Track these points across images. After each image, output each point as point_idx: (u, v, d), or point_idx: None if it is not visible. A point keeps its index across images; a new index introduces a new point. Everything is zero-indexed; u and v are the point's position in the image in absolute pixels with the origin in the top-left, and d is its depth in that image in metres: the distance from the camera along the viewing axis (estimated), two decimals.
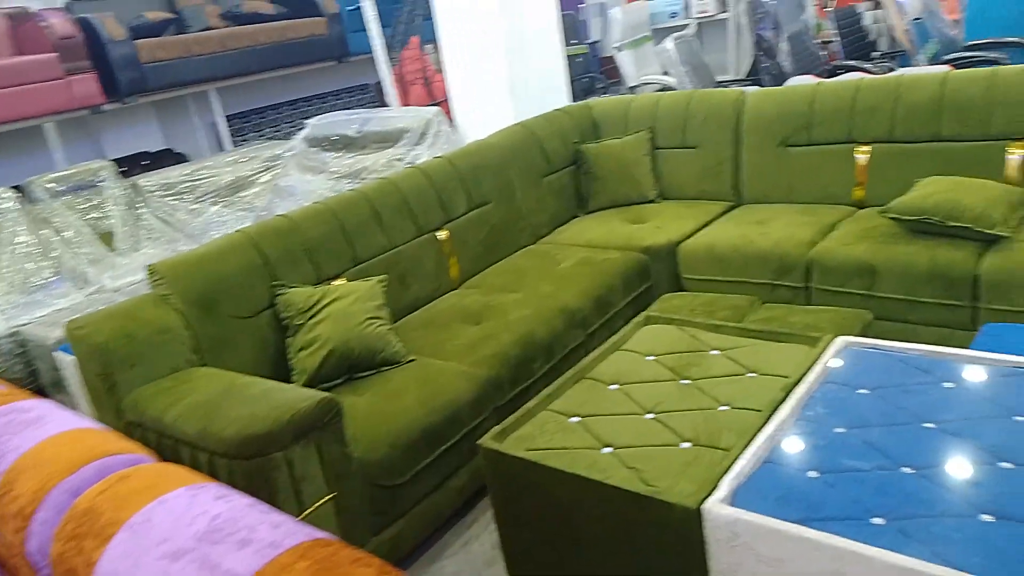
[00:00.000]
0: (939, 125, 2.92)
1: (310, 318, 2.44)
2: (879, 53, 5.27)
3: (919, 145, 2.98)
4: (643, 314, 2.44)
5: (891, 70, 4.73)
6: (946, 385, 1.78)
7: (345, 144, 4.27)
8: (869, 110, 3.08)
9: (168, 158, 6.27)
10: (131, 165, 6.04)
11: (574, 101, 4.20)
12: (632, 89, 5.88)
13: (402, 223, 2.93)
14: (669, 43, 4.99)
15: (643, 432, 1.85)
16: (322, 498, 1.92)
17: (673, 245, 3.18)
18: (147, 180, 4.57)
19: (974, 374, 1.80)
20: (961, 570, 1.27)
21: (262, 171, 4.62)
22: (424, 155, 3.90)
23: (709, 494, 1.56)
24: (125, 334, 2.15)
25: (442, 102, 4.58)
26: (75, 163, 4.59)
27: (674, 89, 5.32)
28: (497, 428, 1.95)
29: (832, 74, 4.86)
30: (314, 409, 1.88)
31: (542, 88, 4.04)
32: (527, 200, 3.48)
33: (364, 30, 4.66)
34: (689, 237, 3.20)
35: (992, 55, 4.50)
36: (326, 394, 1.94)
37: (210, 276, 2.37)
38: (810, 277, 2.83)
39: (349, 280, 2.69)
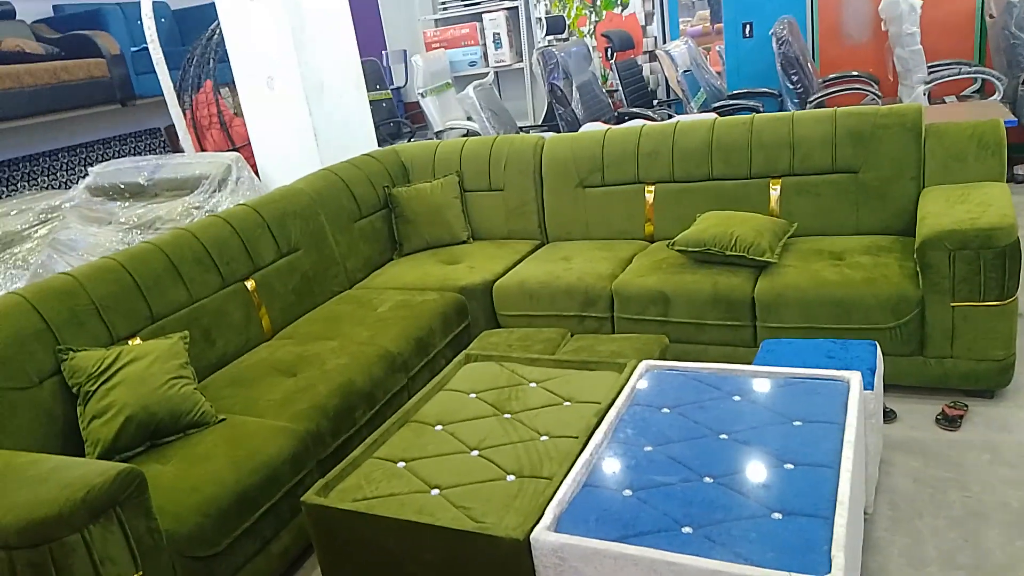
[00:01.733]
0: (711, 166, 3.27)
1: (103, 383, 2.22)
2: (658, 101, 5.82)
3: (696, 184, 3.32)
4: (463, 353, 2.48)
5: (670, 116, 5.24)
6: (735, 399, 1.98)
7: (134, 192, 3.97)
8: (652, 153, 3.38)
9: None
10: None
11: (380, 146, 4.23)
12: (439, 134, 6.02)
13: (204, 275, 2.77)
14: (470, 90, 5.18)
15: (469, 470, 1.87)
16: None
17: (488, 284, 3.27)
18: None
19: (757, 386, 2.02)
20: (757, 566, 1.41)
21: (37, 224, 4.16)
22: (225, 203, 3.73)
23: (535, 524, 1.61)
24: None
25: (243, 147, 4.41)
26: None
27: (478, 134, 5.52)
28: (320, 482, 1.88)
29: (619, 120, 5.30)
30: (112, 483, 1.70)
31: (348, 133, 4.03)
32: (339, 245, 3.43)
33: (154, 72, 4.38)
34: (502, 276, 3.31)
35: (750, 103, 5.14)
36: (125, 465, 1.76)
37: None
38: (613, 307, 3.03)
39: (145, 339, 2.49)
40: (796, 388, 1.97)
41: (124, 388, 2.21)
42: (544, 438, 1.96)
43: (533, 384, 2.23)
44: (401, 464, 1.94)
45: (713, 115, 3.72)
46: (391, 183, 3.80)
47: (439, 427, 2.08)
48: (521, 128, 5.84)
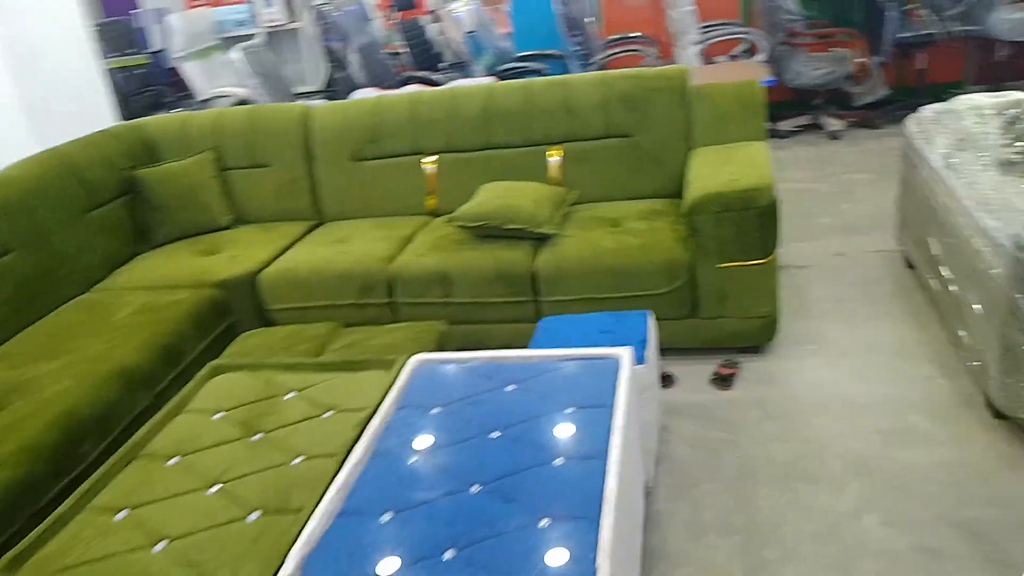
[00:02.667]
0: (490, 134, 3.11)
1: None
2: (446, 64, 5.60)
3: (476, 153, 3.15)
4: (209, 364, 2.15)
5: (457, 79, 5.04)
6: (508, 389, 1.84)
7: None
8: (429, 122, 3.16)
9: None
10: None
11: (133, 118, 3.66)
12: (205, 103, 5.41)
13: None
14: (235, 53, 4.66)
15: (206, 512, 1.58)
16: None
17: (252, 275, 2.92)
18: None
19: (530, 373, 1.88)
20: None
21: None
22: None
23: (276, 573, 1.37)
24: None
25: None
26: None
27: (251, 102, 5.02)
28: (10, 554, 1.51)
29: (405, 84, 5.02)
30: None
31: (75, 108, 3.45)
32: (67, 242, 2.90)
33: None
34: (269, 264, 2.97)
35: (537, 65, 5.06)
36: None
37: None
38: (393, 292, 2.81)
39: None
40: (569, 371, 1.87)
41: None
42: (298, 460, 1.71)
43: (292, 394, 1.97)
44: (123, 513, 1.61)
45: (490, 79, 3.56)
46: (133, 164, 3.29)
47: (174, 460, 1.76)
48: (299, 95, 5.40)
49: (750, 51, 5.26)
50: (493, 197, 2.80)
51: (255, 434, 1.82)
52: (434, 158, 3.20)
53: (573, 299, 2.63)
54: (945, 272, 2.39)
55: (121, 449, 1.82)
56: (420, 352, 2.06)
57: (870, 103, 5.10)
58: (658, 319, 2.55)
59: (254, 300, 2.93)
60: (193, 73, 5.43)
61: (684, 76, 2.99)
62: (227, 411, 1.93)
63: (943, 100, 2.88)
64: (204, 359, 2.63)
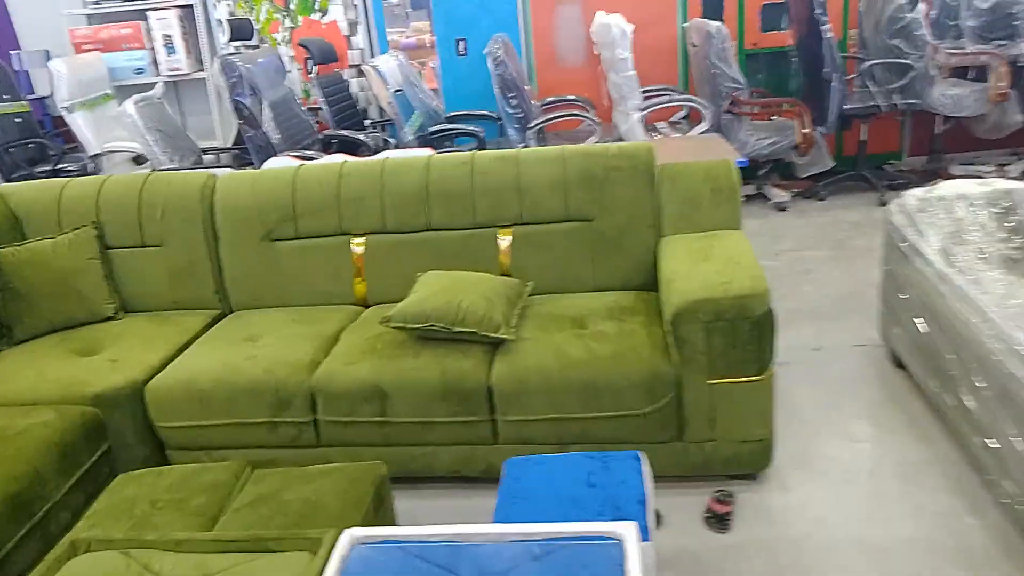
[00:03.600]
0: (429, 214, 2.68)
1: None
2: (371, 122, 5.16)
3: (414, 235, 2.71)
4: (66, 540, 1.59)
5: (385, 142, 4.61)
6: None
7: None
8: (357, 199, 2.71)
9: None
10: None
11: (10, 173, 3.05)
12: (95, 159, 4.78)
13: None
14: (130, 106, 4.09)
15: None
16: None
17: (137, 386, 2.36)
18: None
19: (505, 562, 1.43)
20: None
21: None
22: None
23: None
24: None
25: None
26: None
27: (147, 160, 4.43)
28: None
29: (326, 145, 4.55)
30: None
31: None
32: None
33: None
34: (160, 371, 2.42)
35: (470, 128, 4.69)
36: None
37: None
38: (316, 408, 2.31)
39: None
40: (557, 558, 1.42)
41: None
42: None
43: None
44: None
45: (427, 151, 3.15)
46: None
47: None
48: (205, 151, 4.83)
49: (688, 117, 5.07)
50: (437, 291, 2.36)
51: None
52: (363, 240, 2.74)
53: (536, 419, 2.21)
54: (965, 391, 2.10)
55: None
56: (354, 517, 1.58)
57: (812, 174, 4.98)
58: (635, 444, 2.16)
59: (140, 418, 2.36)
60: (81, 125, 4.79)
61: (650, 154, 2.66)
62: None
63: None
64: (76, 499, 2.07)
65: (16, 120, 4.98)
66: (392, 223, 2.71)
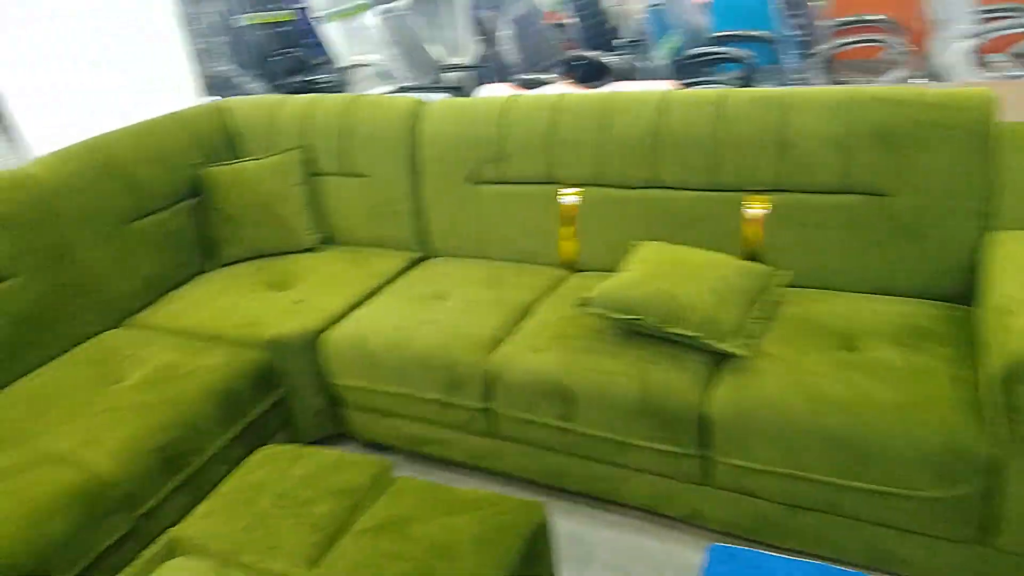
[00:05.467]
0: (657, 167, 2.12)
1: None
2: (623, 41, 4.57)
3: (635, 192, 2.17)
4: (167, 536, 1.38)
5: (633, 66, 4.03)
6: None
7: None
8: (572, 142, 2.22)
9: None
10: None
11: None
12: (342, 71, 4.76)
13: None
14: (371, 17, 3.92)
15: None
16: None
17: (312, 335, 2.15)
18: None
19: None
20: None
21: None
22: None
23: None
24: None
25: None
26: None
27: (391, 76, 4.29)
28: None
29: (569, 69, 4.07)
30: None
31: (146, 79, 2.80)
32: (97, 262, 2.27)
33: None
34: (338, 321, 2.19)
35: (737, 52, 3.92)
36: None
37: None
38: (490, 395, 1.93)
39: None
40: None
41: None
42: None
43: None
44: None
45: (666, 85, 2.54)
46: (205, 159, 2.61)
47: None
48: (446, 68, 4.59)
49: None
50: (653, 274, 1.83)
51: None
52: (576, 191, 2.25)
53: (764, 470, 1.63)
54: None
55: None
56: (490, 560, 1.17)
57: None
58: (913, 533, 1.51)
59: (314, 368, 2.16)
60: (334, 36, 4.78)
61: (987, 104, 1.83)
62: None
63: None
64: (227, 456, 1.92)
65: (279, 30, 5.10)
66: (610, 174, 2.19)
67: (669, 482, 1.78)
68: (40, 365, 2.07)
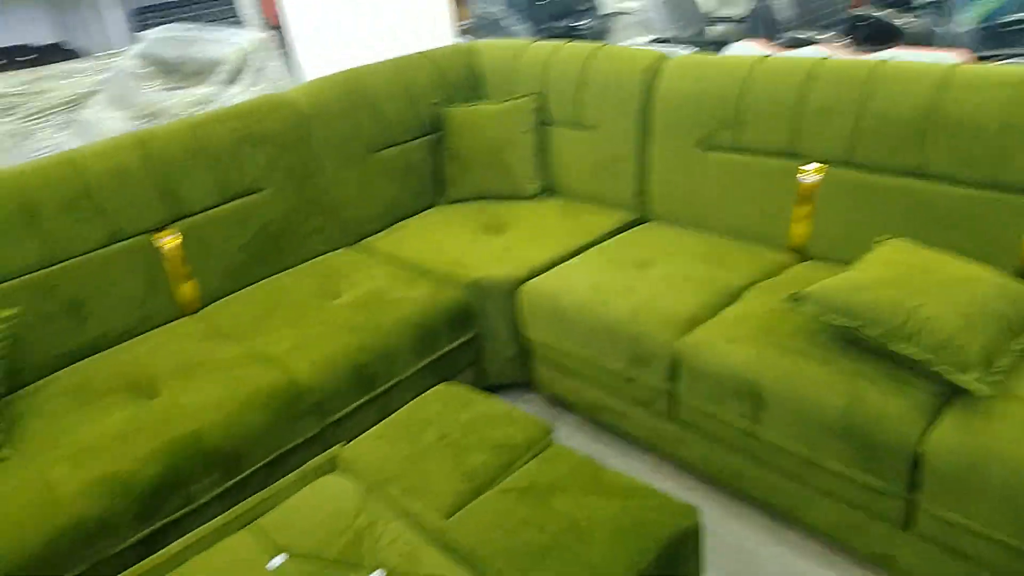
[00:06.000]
0: (925, 152, 1.78)
1: None
2: (922, 2, 3.94)
3: (891, 178, 1.85)
4: (332, 452, 1.47)
5: (931, 30, 3.46)
6: None
7: (168, 70, 3.26)
8: (823, 111, 1.94)
9: (55, 54, 5.32)
10: (7, 60, 5.12)
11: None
12: (604, 19, 4.66)
13: (76, 226, 1.96)
14: None
15: None
16: None
17: (512, 284, 2.16)
18: None
19: None
20: None
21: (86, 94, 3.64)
22: (240, 97, 2.89)
23: None
24: None
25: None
26: None
27: (651, 26, 4.12)
28: None
29: (850, 27, 3.60)
30: None
31: (412, 18, 2.93)
32: (340, 185, 2.46)
33: None
34: (541, 272, 2.17)
35: None
36: None
37: None
38: (677, 377, 1.80)
39: None
40: None
41: None
42: None
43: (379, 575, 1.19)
44: None
45: (957, 56, 2.11)
46: (447, 98, 2.69)
47: None
48: (712, 22, 4.30)
49: None
50: (890, 278, 1.56)
51: None
52: (819, 168, 1.98)
53: (982, 533, 1.34)
54: None
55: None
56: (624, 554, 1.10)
57: None
58: None
59: (510, 316, 2.18)
60: None
61: None
62: (298, 555, 1.23)
63: None
64: (413, 384, 2.01)
65: None
66: (864, 155, 1.89)
67: (860, 515, 1.54)
68: (276, 273, 2.31)
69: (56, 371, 1.91)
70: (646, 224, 2.40)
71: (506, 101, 2.63)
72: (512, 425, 1.58)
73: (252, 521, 1.32)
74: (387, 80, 2.59)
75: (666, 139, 2.31)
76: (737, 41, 3.94)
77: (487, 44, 2.86)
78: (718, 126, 2.15)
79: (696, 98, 2.20)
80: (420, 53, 2.74)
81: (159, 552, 1.29)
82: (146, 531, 1.57)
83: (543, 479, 1.41)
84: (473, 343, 2.22)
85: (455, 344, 2.15)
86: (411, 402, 1.70)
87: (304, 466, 1.44)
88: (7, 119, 3.72)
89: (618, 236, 2.32)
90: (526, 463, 1.47)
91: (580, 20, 4.96)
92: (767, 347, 1.65)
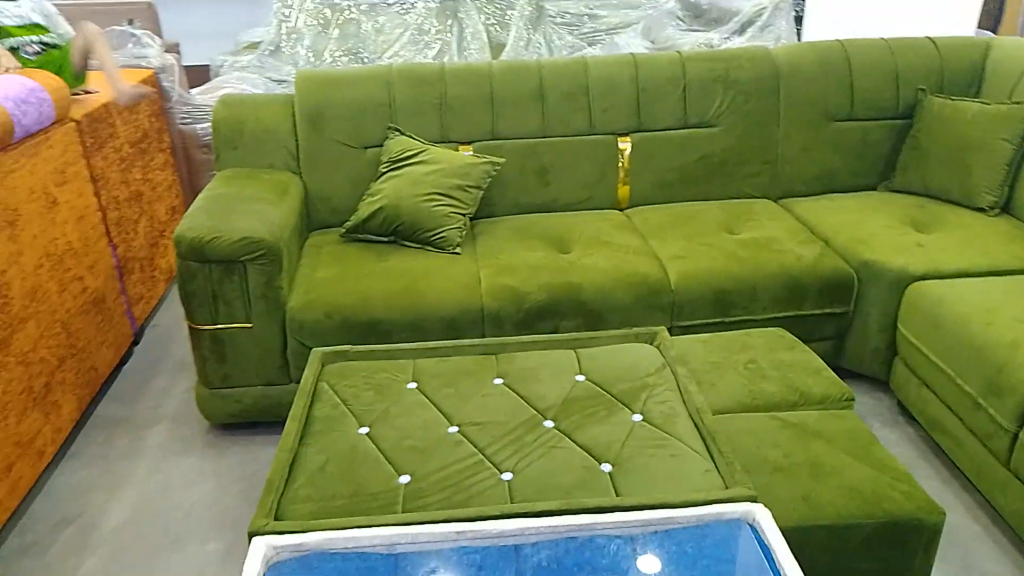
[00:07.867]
0: None
1: (392, 169, 2.40)
2: None
3: None
4: (653, 331, 1.78)
5: None
6: None
7: (697, 14, 3.70)
8: None
9: None
10: None
11: None
12: None
13: (572, 114, 2.53)
14: None
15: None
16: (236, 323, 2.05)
17: (907, 277, 2.13)
18: (552, 5, 4.63)
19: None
20: None
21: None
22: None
23: None
24: (237, 120, 2.45)
25: None
26: None
27: None
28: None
29: None
30: (233, 244, 1.95)
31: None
32: (788, 142, 2.63)
33: None
34: (943, 278, 2.09)
35: None
36: (258, 235, 1.97)
37: (332, 98, 2.46)
38: None
39: (478, 152, 2.51)
40: None
41: (397, 182, 2.35)
42: None
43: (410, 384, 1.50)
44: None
45: None
46: (936, 87, 2.60)
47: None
48: None
49: None
50: None
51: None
52: None
53: None
54: None
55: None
56: (849, 510, 1.24)
57: None
58: None
59: (891, 307, 2.16)
60: None
61: None
62: (589, 379, 1.62)
63: None
64: (762, 325, 2.19)
65: None
66: None
67: None
68: (696, 200, 2.63)
69: (512, 214, 2.56)
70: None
71: (1000, 103, 2.43)
72: (816, 377, 1.69)
73: (575, 348, 1.73)
74: (873, 58, 2.61)
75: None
76: None
77: (1010, 41, 2.62)
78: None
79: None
80: (928, 38, 2.66)
81: (506, 338, 1.79)
82: (518, 334, 2.12)
83: (814, 425, 1.53)
84: (841, 319, 2.25)
85: (821, 311, 2.22)
86: (743, 330, 1.90)
87: (632, 328, 1.79)
88: (570, 34, 4.64)
89: None
90: (809, 410, 1.59)
91: None
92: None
